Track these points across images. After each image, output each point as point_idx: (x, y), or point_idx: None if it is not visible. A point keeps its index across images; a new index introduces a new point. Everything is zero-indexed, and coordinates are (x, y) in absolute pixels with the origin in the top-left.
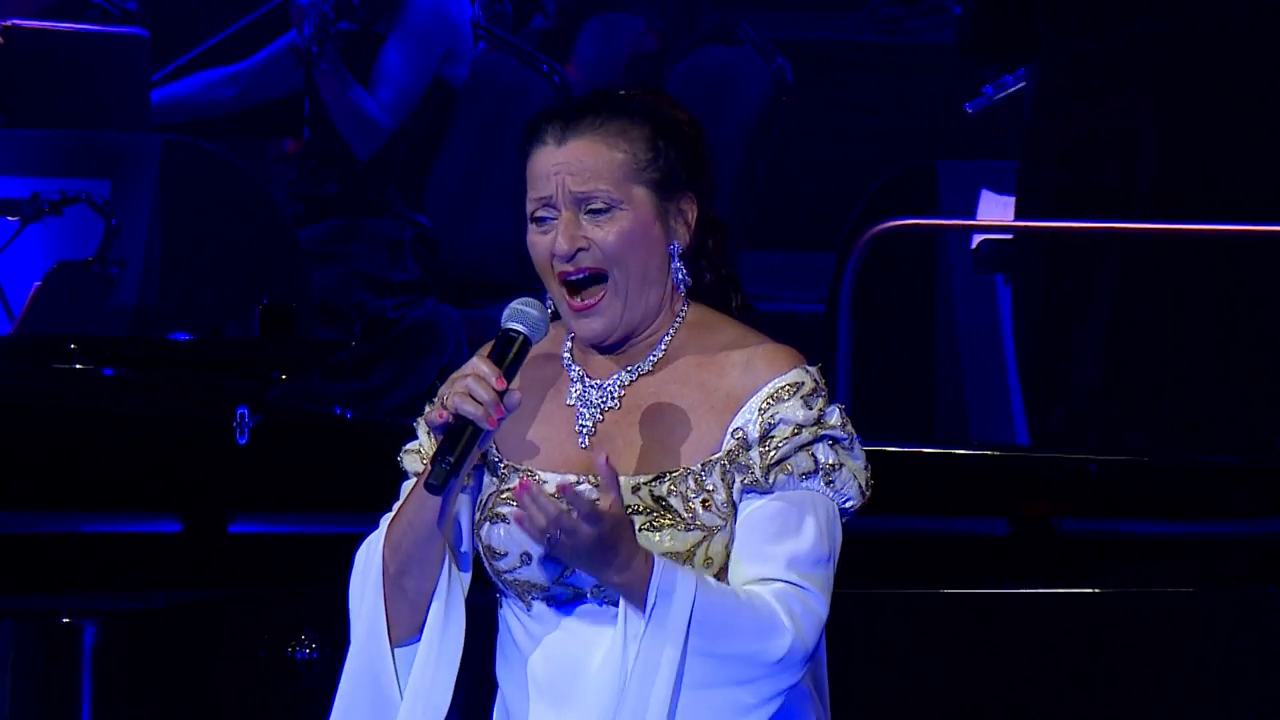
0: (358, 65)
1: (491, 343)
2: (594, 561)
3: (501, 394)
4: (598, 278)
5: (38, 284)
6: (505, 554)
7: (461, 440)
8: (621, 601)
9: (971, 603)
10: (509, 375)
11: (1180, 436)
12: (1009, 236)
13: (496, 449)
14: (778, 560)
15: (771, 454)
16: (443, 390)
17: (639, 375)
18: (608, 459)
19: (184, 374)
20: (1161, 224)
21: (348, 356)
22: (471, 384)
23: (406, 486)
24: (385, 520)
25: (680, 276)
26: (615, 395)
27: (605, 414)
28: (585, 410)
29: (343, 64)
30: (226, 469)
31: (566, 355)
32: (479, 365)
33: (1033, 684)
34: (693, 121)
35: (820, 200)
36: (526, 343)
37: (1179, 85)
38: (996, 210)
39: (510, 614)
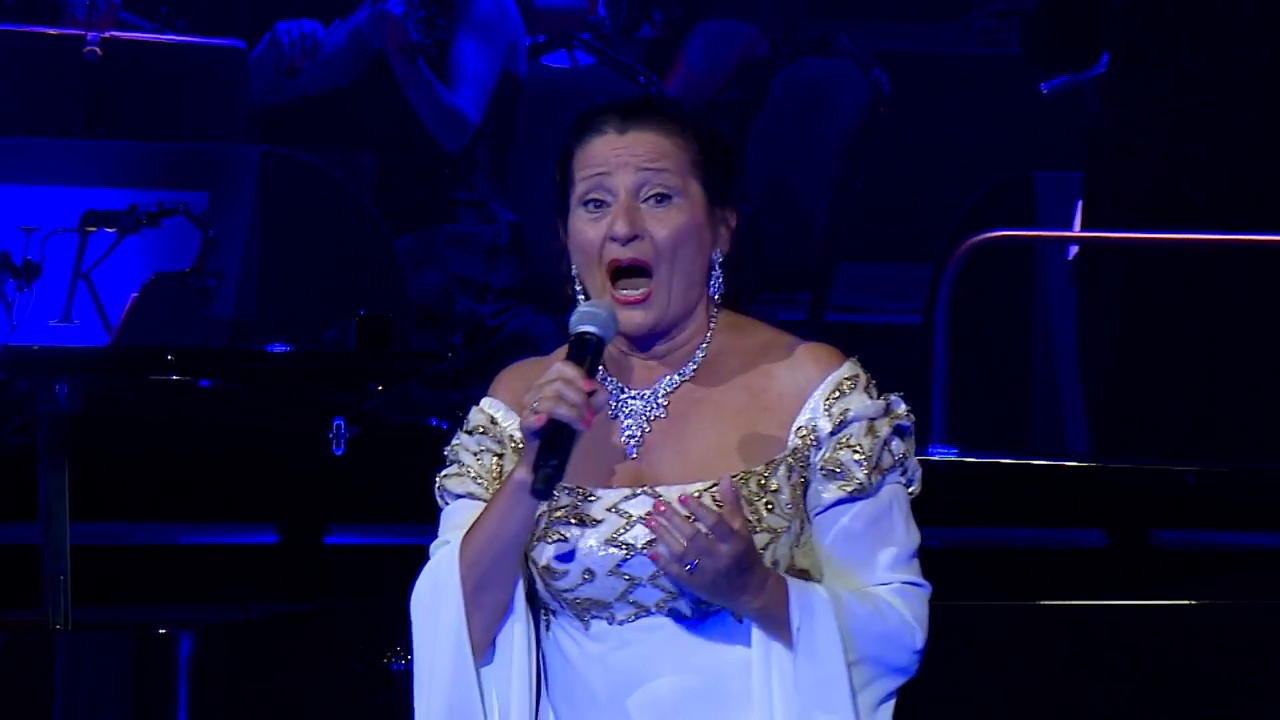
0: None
1: (564, 348)
2: (732, 586)
3: (589, 395)
4: (643, 271)
5: (135, 295)
6: (566, 573)
7: (559, 443)
8: (755, 628)
9: (1067, 615)
10: (590, 376)
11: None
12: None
13: None
14: (884, 565)
15: (857, 453)
16: (528, 398)
17: (682, 381)
18: (730, 479)
19: (281, 385)
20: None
21: (447, 367)
22: (561, 388)
23: (452, 510)
24: (438, 548)
25: (717, 285)
26: (660, 404)
27: (652, 423)
28: (630, 421)
29: (426, 67)
30: (323, 480)
31: (601, 369)
32: (564, 369)
33: (1128, 697)
34: (731, 141)
35: (918, 212)
36: (601, 343)
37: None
38: None
39: (563, 635)
